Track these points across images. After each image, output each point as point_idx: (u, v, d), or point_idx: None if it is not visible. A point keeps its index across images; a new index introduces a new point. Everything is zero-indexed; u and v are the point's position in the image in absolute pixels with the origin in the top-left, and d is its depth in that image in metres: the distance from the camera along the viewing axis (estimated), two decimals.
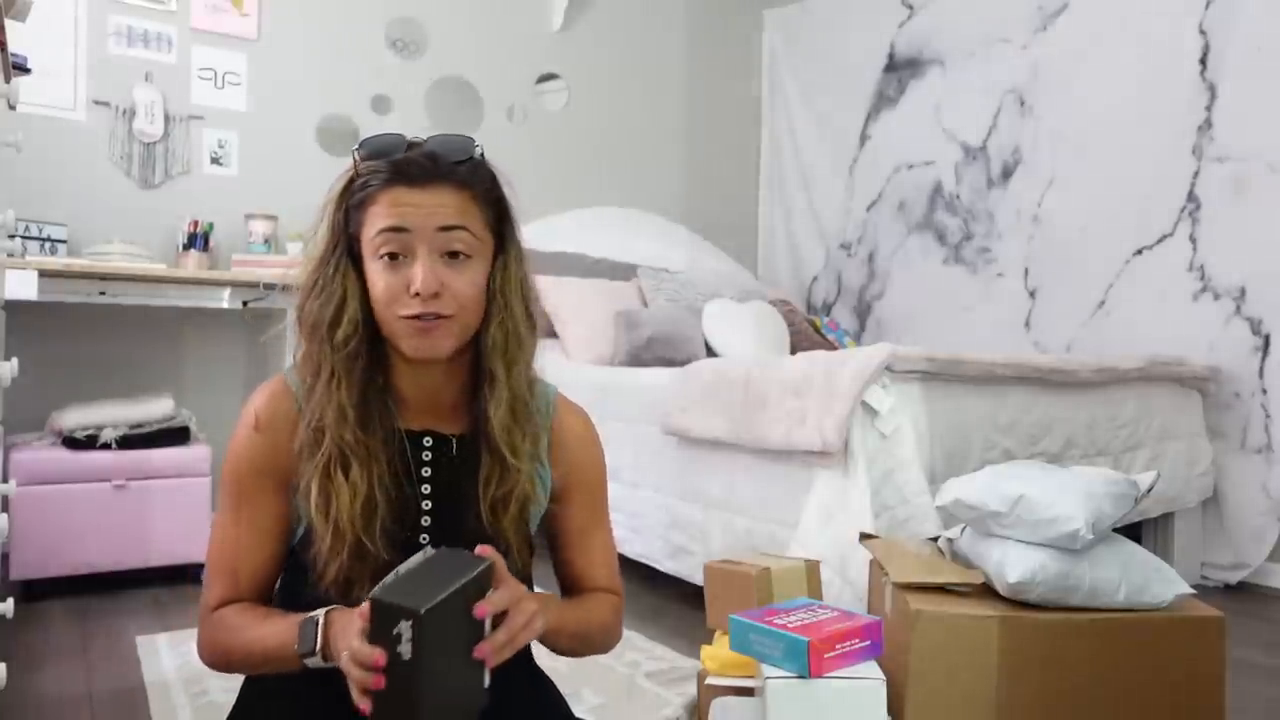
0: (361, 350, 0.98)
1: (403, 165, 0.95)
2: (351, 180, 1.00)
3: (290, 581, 1.03)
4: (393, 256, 0.94)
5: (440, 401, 1.03)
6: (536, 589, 1.05)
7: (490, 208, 1.00)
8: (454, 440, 1.02)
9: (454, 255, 0.95)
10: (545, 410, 1.08)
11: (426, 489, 1.01)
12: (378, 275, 0.95)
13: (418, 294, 0.93)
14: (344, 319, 0.97)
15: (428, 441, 1.02)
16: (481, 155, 1.00)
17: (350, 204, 0.99)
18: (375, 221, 0.95)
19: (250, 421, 1.01)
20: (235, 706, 1.07)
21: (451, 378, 1.02)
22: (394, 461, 0.98)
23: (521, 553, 1.03)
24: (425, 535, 1.00)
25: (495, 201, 1.01)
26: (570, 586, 1.12)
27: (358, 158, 0.99)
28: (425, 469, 1.01)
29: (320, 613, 0.91)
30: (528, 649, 1.10)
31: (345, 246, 0.99)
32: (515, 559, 1.00)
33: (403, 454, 0.99)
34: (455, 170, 0.97)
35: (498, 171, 1.02)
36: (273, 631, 0.94)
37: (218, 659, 1.00)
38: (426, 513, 1.01)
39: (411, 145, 0.98)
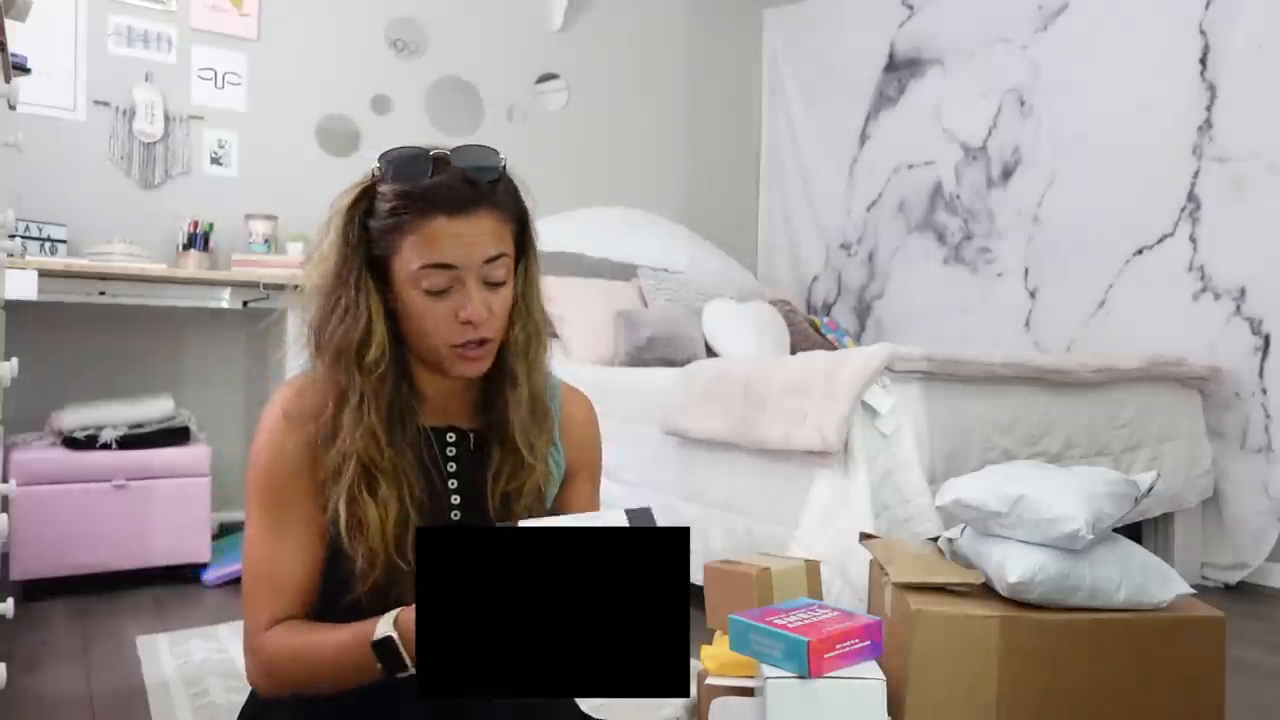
0: (390, 370, 0.97)
1: (442, 194, 0.93)
2: (366, 192, 0.97)
3: (323, 592, 1.01)
4: (436, 290, 0.94)
5: (458, 399, 1.05)
6: None
7: (515, 221, 1.01)
8: (472, 435, 1.04)
9: (494, 281, 0.96)
10: (553, 398, 1.11)
11: (454, 484, 1.03)
12: (422, 305, 0.94)
13: (468, 322, 0.94)
14: (373, 343, 0.95)
15: (451, 438, 1.04)
16: (505, 167, 0.99)
17: (375, 224, 0.95)
18: (414, 253, 0.93)
19: (276, 417, 0.98)
20: (245, 708, 1.07)
21: (473, 378, 1.03)
22: (422, 459, 1.00)
23: None
24: None
25: (520, 215, 1.02)
26: None
27: (379, 174, 0.96)
28: (450, 464, 1.03)
29: (389, 628, 0.87)
30: None
31: (365, 263, 0.96)
32: None
33: (430, 451, 1.01)
34: (492, 193, 0.96)
35: (519, 181, 1.02)
36: (344, 649, 0.90)
37: (282, 685, 0.95)
38: (455, 506, 1.03)
39: (437, 161, 0.94)
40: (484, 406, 1.05)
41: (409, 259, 0.93)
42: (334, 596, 0.98)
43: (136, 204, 3.16)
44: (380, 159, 0.96)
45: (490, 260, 0.95)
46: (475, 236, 0.93)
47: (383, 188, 0.95)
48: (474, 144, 0.97)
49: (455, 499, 1.02)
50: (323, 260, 0.97)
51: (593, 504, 1.16)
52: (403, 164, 0.94)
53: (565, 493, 1.13)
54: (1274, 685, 2.15)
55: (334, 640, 0.91)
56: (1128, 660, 1.30)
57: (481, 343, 0.97)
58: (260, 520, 0.97)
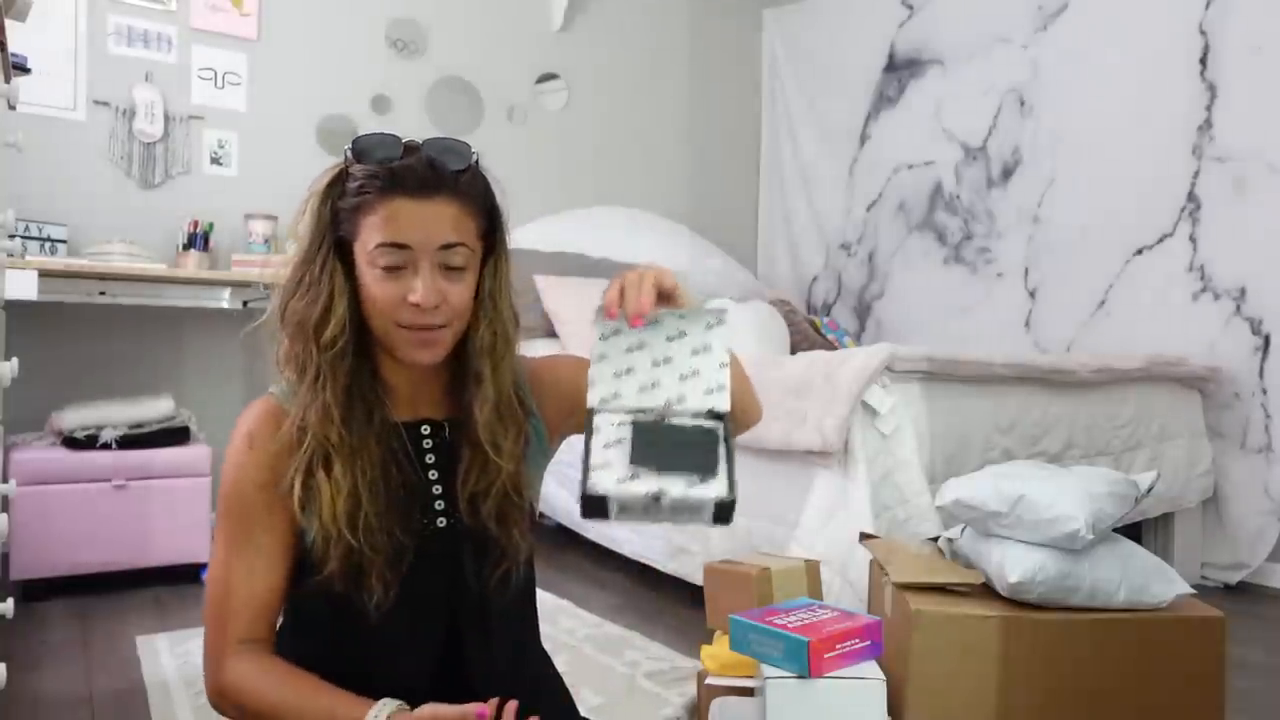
0: (348, 350, 0.98)
1: (402, 174, 0.95)
2: (340, 177, 0.99)
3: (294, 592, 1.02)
4: (390, 268, 0.95)
5: (427, 390, 1.06)
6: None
7: (483, 216, 1.01)
8: (446, 425, 1.05)
9: (451, 268, 0.97)
10: (522, 381, 1.10)
11: (434, 474, 1.03)
12: (375, 284, 0.96)
13: (417, 305, 0.94)
14: (331, 319, 0.97)
15: (425, 430, 1.04)
16: (477, 162, 1.00)
17: (342, 205, 0.98)
18: (373, 232, 0.95)
19: (244, 440, 1.00)
20: None
21: (438, 369, 1.04)
22: (398, 453, 1.00)
23: (511, 538, 1.02)
24: (441, 519, 1.02)
25: (488, 210, 1.02)
26: None
27: (350, 156, 0.98)
28: (429, 455, 1.03)
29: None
30: (540, 646, 1.11)
31: (332, 244, 0.98)
32: (499, 548, 1.02)
33: (404, 445, 1.01)
34: (455, 181, 0.97)
35: (491, 177, 1.03)
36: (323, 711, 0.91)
37: (241, 715, 0.95)
38: (439, 497, 1.02)
39: (408, 148, 0.97)
40: (451, 396, 1.06)
41: (368, 238, 0.95)
42: (300, 577, 1.00)
43: (136, 204, 3.16)
44: (352, 142, 0.97)
45: (447, 246, 0.95)
46: (433, 220, 0.95)
47: (353, 169, 0.97)
48: (448, 137, 0.99)
49: (438, 489, 1.03)
50: (298, 240, 1.00)
51: None
52: (372, 147, 0.96)
53: None
54: (1274, 685, 2.15)
55: (312, 697, 0.93)
56: (1128, 660, 1.30)
57: (431, 329, 0.97)
58: (224, 539, 0.98)
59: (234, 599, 0.96)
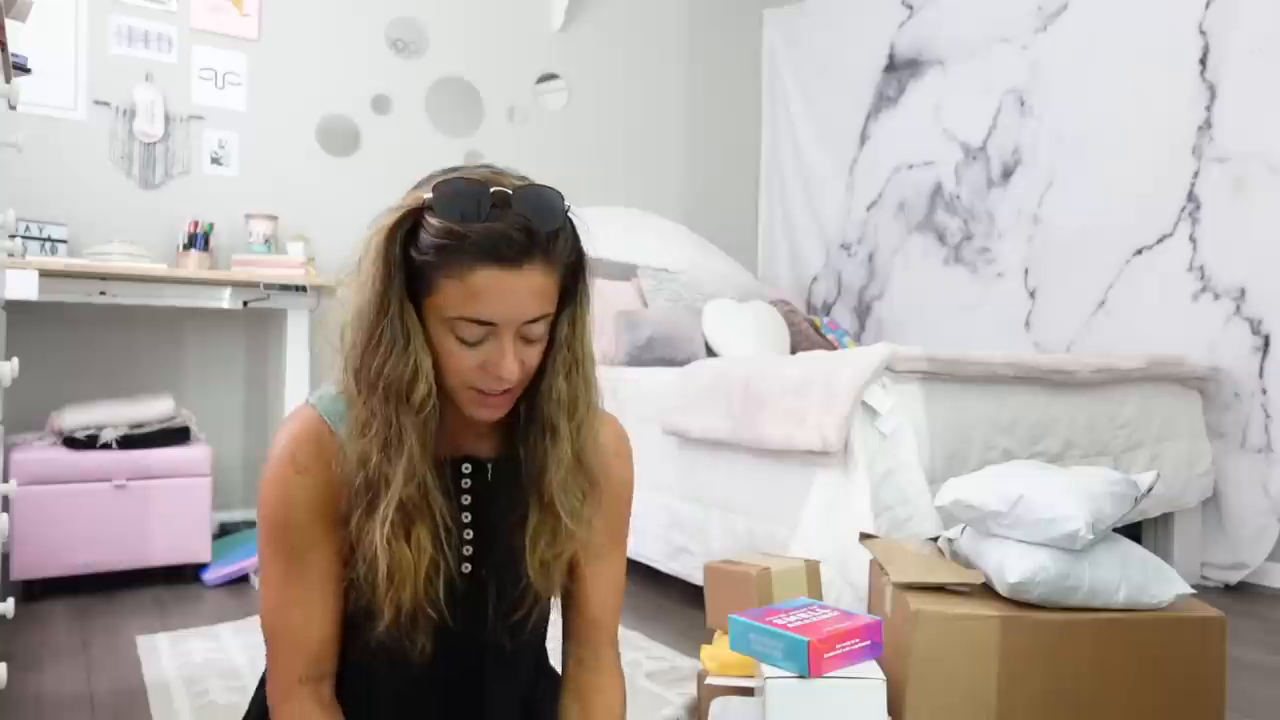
0: (436, 409, 0.90)
1: (495, 242, 0.83)
2: (411, 216, 0.87)
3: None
4: (469, 340, 0.88)
5: (474, 427, 0.98)
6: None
7: (568, 270, 0.92)
8: (489, 465, 0.99)
9: (531, 340, 0.90)
10: (603, 444, 1.03)
11: (467, 517, 0.98)
12: (450, 347, 0.88)
13: (496, 376, 0.88)
14: (421, 381, 0.88)
15: (466, 468, 0.99)
16: (568, 212, 0.90)
17: (416, 255, 0.87)
18: (454, 300, 0.85)
19: (287, 461, 0.92)
20: (250, 709, 1.08)
21: None
22: (437, 492, 0.93)
23: (549, 591, 1.01)
24: (467, 564, 0.98)
25: (574, 262, 0.92)
26: (572, 628, 1.08)
27: (429, 202, 0.86)
28: (465, 496, 0.98)
29: None
30: (542, 649, 1.11)
31: (403, 292, 0.88)
32: (530, 593, 0.99)
33: (444, 484, 0.94)
34: (549, 246, 0.87)
35: (580, 222, 0.92)
36: None
37: None
38: (468, 542, 0.98)
39: (496, 201, 0.85)
40: (499, 434, 1.00)
41: (446, 303, 0.86)
42: (350, 634, 0.96)
43: (136, 204, 3.16)
44: (434, 187, 0.86)
45: (531, 321, 0.88)
46: (522, 295, 0.85)
47: (432, 219, 0.85)
48: (540, 185, 0.88)
49: (468, 534, 0.98)
50: (361, 283, 0.88)
51: (608, 551, 1.06)
52: (457, 198, 0.85)
53: (590, 567, 1.05)
54: (1274, 685, 2.15)
55: None
56: (1128, 660, 1.30)
57: (505, 391, 0.91)
58: (276, 569, 0.93)
59: (293, 637, 0.93)
